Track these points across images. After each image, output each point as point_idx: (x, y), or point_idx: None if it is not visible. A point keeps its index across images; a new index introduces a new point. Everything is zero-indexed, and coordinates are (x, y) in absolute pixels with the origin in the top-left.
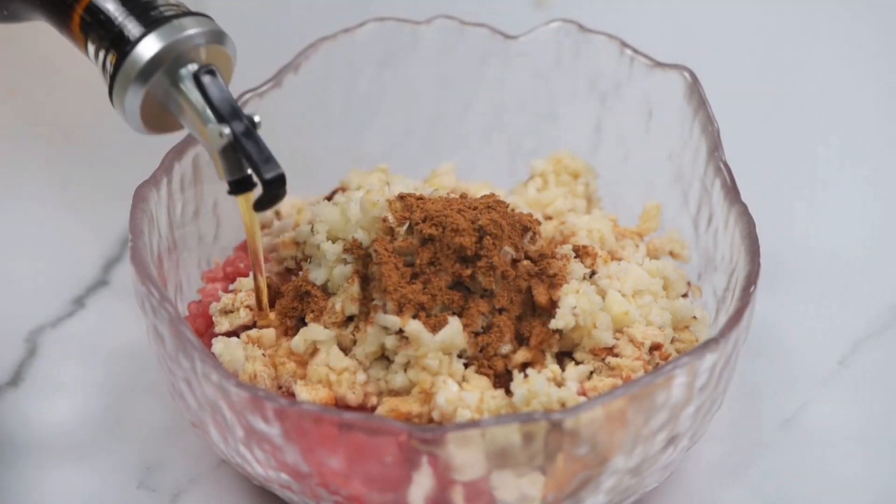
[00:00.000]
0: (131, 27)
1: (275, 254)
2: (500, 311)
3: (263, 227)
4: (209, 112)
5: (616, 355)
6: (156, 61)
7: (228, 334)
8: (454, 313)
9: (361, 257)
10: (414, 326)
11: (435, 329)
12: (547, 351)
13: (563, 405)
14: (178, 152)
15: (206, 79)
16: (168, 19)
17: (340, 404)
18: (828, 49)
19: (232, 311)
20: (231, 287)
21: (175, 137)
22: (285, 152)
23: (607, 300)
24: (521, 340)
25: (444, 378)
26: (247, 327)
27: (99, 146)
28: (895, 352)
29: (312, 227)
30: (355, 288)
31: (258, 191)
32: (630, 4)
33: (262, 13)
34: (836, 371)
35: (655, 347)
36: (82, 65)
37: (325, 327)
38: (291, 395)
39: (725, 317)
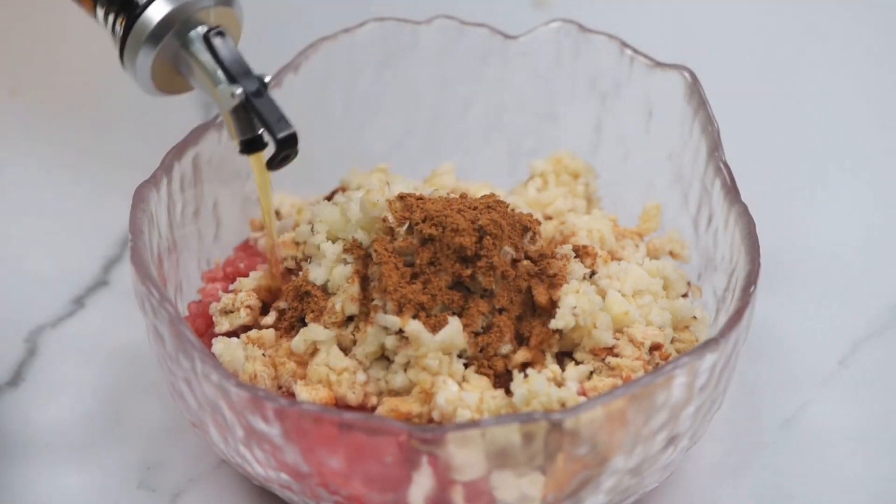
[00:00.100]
0: None
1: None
2: (500, 311)
3: (263, 227)
4: (220, 73)
5: (616, 355)
6: (165, 24)
7: (228, 334)
8: (454, 313)
9: (361, 257)
10: (414, 326)
11: (435, 329)
12: (547, 351)
13: (563, 405)
14: (178, 152)
15: (216, 40)
16: None
17: (340, 404)
18: (828, 49)
19: (232, 311)
20: (231, 287)
21: (175, 138)
22: None
23: (607, 300)
24: (521, 340)
25: (444, 378)
26: (247, 327)
27: (99, 146)
28: (895, 352)
29: (312, 227)
30: (355, 288)
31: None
32: (630, 4)
33: (262, 13)
34: (836, 371)
35: (655, 347)
36: (82, 66)
37: (325, 327)
38: (291, 395)
39: (725, 317)
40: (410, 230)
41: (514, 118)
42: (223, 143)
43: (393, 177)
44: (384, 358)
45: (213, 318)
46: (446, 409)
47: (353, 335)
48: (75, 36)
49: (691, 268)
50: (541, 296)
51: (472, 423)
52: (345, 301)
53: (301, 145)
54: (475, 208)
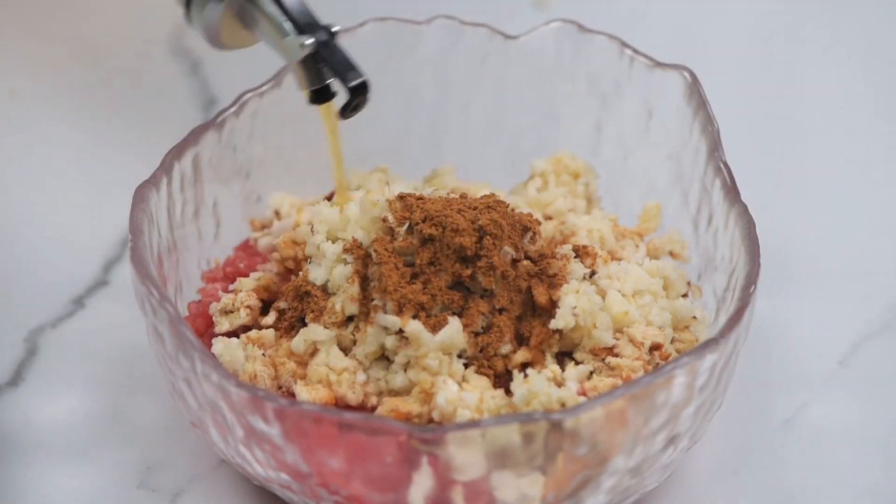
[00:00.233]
0: None
1: (275, 254)
2: (500, 311)
3: (263, 227)
4: (287, 25)
5: (616, 355)
6: None
7: (228, 334)
8: (454, 313)
9: (361, 257)
10: (414, 326)
11: (435, 329)
12: (547, 351)
13: (563, 405)
14: (178, 152)
15: None
16: None
17: (340, 404)
18: (828, 49)
19: (232, 311)
20: (231, 287)
21: (175, 138)
22: (285, 152)
23: (607, 300)
24: (521, 340)
25: (444, 378)
26: (247, 327)
27: (98, 146)
28: (895, 352)
29: (312, 227)
30: (355, 288)
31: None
32: (630, 4)
33: None
34: (836, 371)
35: (655, 347)
36: (82, 66)
37: (325, 327)
38: (291, 395)
39: (725, 317)
40: (410, 230)
41: (514, 118)
42: (223, 142)
43: (393, 177)
44: (384, 358)
45: (213, 318)
46: (446, 409)
47: (353, 335)
48: (75, 36)
49: (691, 268)
50: (541, 296)
51: (472, 423)
52: (345, 301)
53: (301, 145)
54: (475, 208)
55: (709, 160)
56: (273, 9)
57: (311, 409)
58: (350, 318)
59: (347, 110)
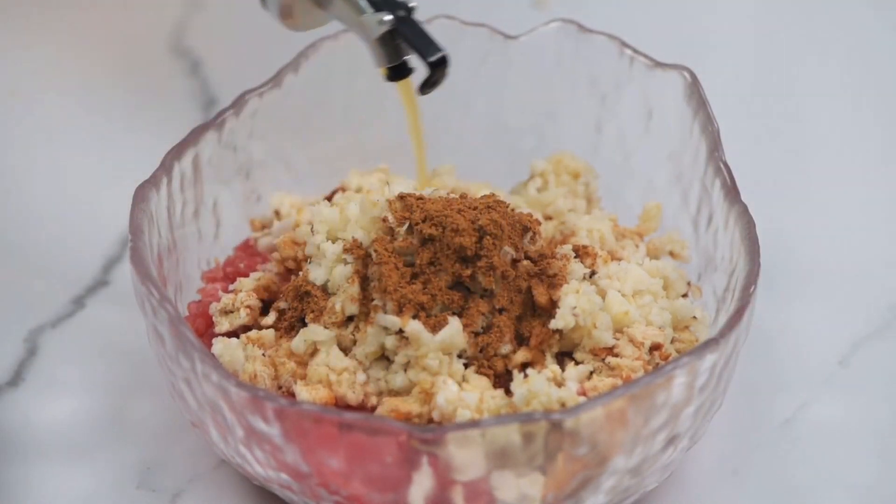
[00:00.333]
0: None
1: (275, 254)
2: (500, 311)
3: (263, 227)
4: (364, 2)
5: (616, 355)
6: None
7: (228, 334)
8: (454, 313)
9: (361, 257)
10: (414, 326)
11: (435, 329)
12: (547, 351)
13: (563, 405)
14: (178, 152)
15: None
16: None
17: (340, 404)
18: (828, 49)
19: (232, 311)
20: (231, 287)
21: (175, 138)
22: (285, 152)
23: (607, 300)
24: (521, 340)
25: (444, 378)
26: (247, 327)
27: (98, 146)
28: (895, 352)
29: (312, 227)
30: (355, 288)
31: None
32: (630, 4)
33: (262, 13)
34: (836, 371)
35: (655, 347)
36: (81, 66)
37: (325, 327)
38: (291, 395)
39: (725, 317)
40: (410, 230)
41: (514, 118)
42: (223, 142)
43: (393, 177)
44: (384, 358)
45: (213, 318)
46: (446, 409)
47: (353, 335)
48: (75, 36)
49: (691, 268)
50: (541, 296)
51: (472, 423)
52: (345, 301)
53: (301, 145)
54: (475, 208)
55: (709, 160)
56: None
57: (311, 409)
58: (350, 318)
59: (427, 86)
